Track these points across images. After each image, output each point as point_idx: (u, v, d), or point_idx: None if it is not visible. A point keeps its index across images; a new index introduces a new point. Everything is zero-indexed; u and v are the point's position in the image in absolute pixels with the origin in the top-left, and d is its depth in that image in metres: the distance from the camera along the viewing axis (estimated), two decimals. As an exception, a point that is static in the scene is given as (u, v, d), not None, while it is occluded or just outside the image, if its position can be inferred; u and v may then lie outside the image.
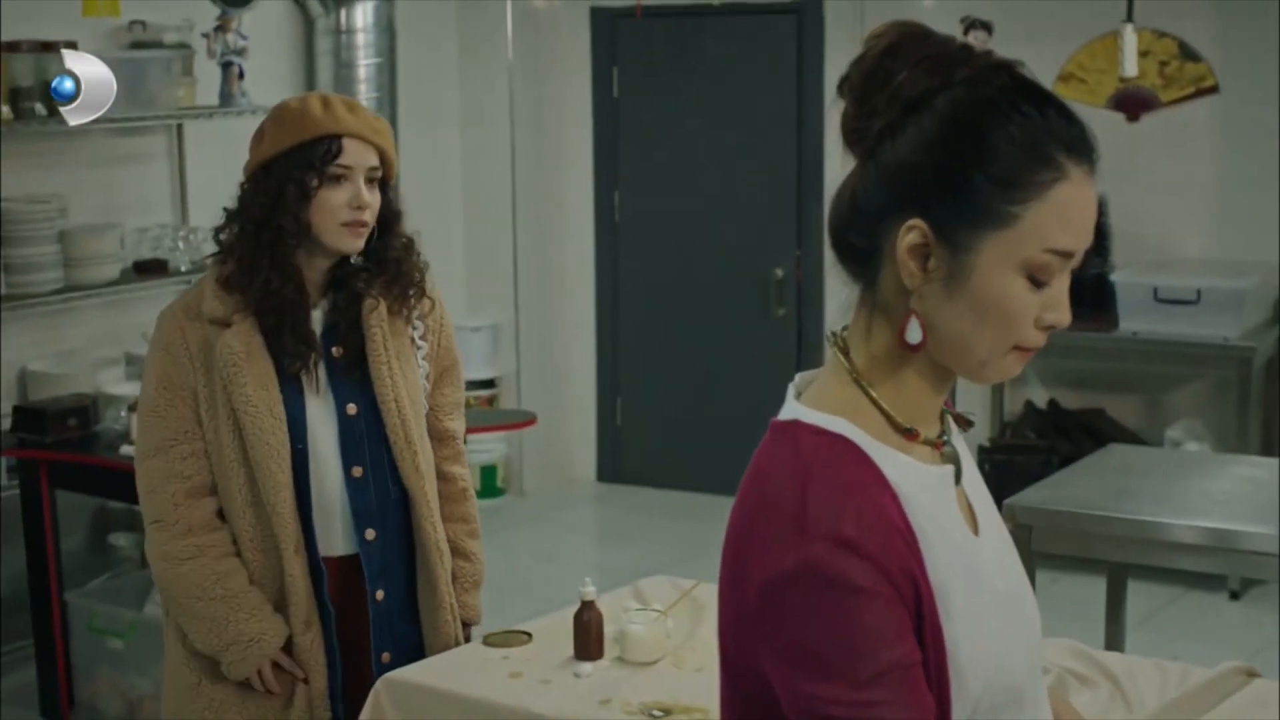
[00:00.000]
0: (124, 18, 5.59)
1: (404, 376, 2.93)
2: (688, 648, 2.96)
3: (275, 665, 2.90)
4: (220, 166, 6.10)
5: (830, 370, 1.55)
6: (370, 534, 2.92)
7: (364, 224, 2.85)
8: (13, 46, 5.05)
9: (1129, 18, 5.52)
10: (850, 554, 1.40)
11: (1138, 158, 5.98)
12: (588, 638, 2.93)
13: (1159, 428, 6.11)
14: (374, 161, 2.86)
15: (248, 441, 2.81)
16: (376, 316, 2.90)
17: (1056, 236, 1.44)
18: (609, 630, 2.95)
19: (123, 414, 4.71)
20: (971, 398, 6.02)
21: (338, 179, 2.82)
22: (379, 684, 2.85)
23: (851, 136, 1.49)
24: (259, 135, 2.89)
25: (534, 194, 7.27)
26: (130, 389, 5.08)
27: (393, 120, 6.04)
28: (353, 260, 2.91)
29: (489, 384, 7.13)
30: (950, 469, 1.55)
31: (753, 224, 7.01)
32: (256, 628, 2.86)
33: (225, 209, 2.92)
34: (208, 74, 5.76)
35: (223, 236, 2.90)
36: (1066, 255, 1.46)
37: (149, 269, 5.57)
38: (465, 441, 3.18)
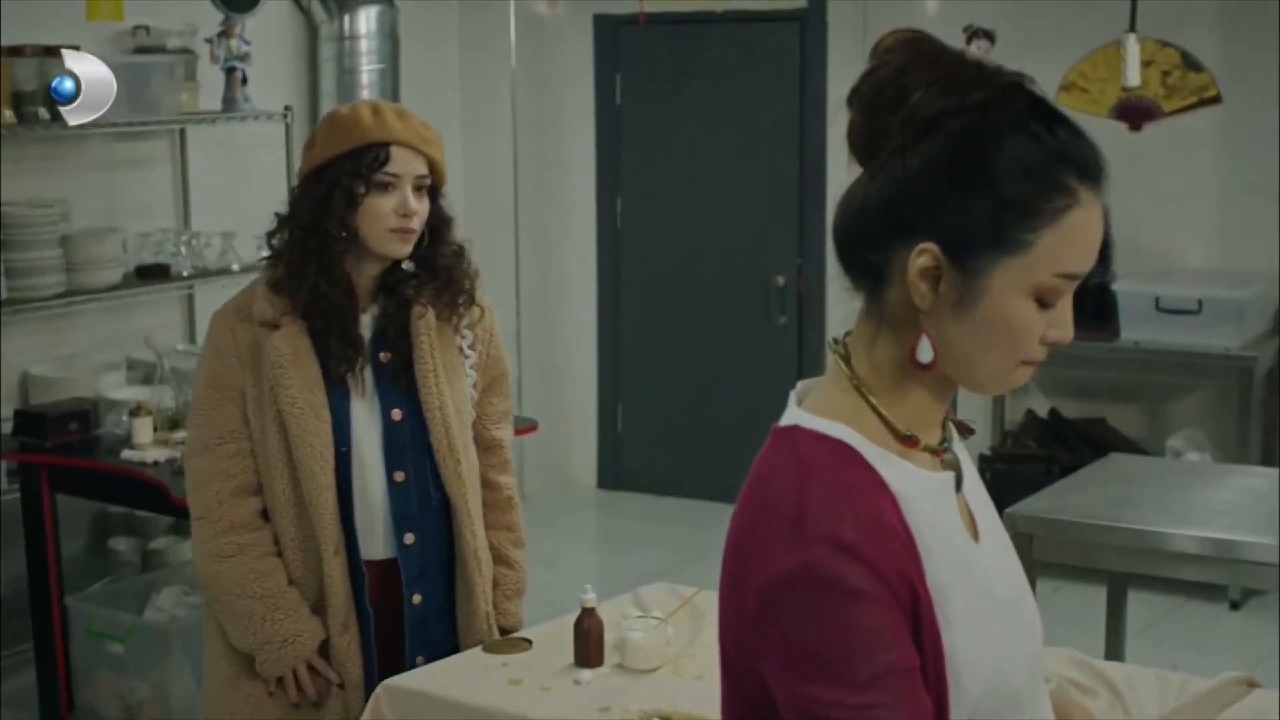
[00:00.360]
0: (127, 22, 5.61)
1: (449, 384, 2.96)
2: (688, 655, 2.95)
3: (310, 668, 2.92)
4: (222, 171, 6.17)
5: (831, 377, 1.56)
6: (409, 538, 2.95)
7: (411, 231, 2.89)
8: (16, 51, 5.05)
9: (1132, 27, 5.52)
10: (848, 557, 1.41)
11: (1140, 167, 5.98)
12: (588, 645, 2.92)
13: (1160, 437, 6.11)
14: (422, 170, 2.90)
15: (292, 442, 2.85)
16: (425, 323, 2.93)
17: (1067, 261, 1.46)
18: (609, 637, 2.95)
19: (123, 418, 4.71)
20: (972, 406, 6.02)
21: (385, 186, 2.86)
22: (379, 689, 2.85)
23: (859, 149, 1.50)
24: (311, 141, 2.94)
25: (536, 200, 7.27)
26: (131, 394, 5.08)
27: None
28: (404, 266, 2.94)
29: (490, 389, 7.12)
30: (950, 476, 1.56)
31: (754, 231, 7.01)
32: (292, 628, 2.89)
33: (277, 214, 2.97)
34: (211, 79, 5.77)
35: (274, 241, 2.94)
36: (1075, 277, 1.47)
37: (151, 274, 5.57)
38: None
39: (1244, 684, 2.90)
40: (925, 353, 1.48)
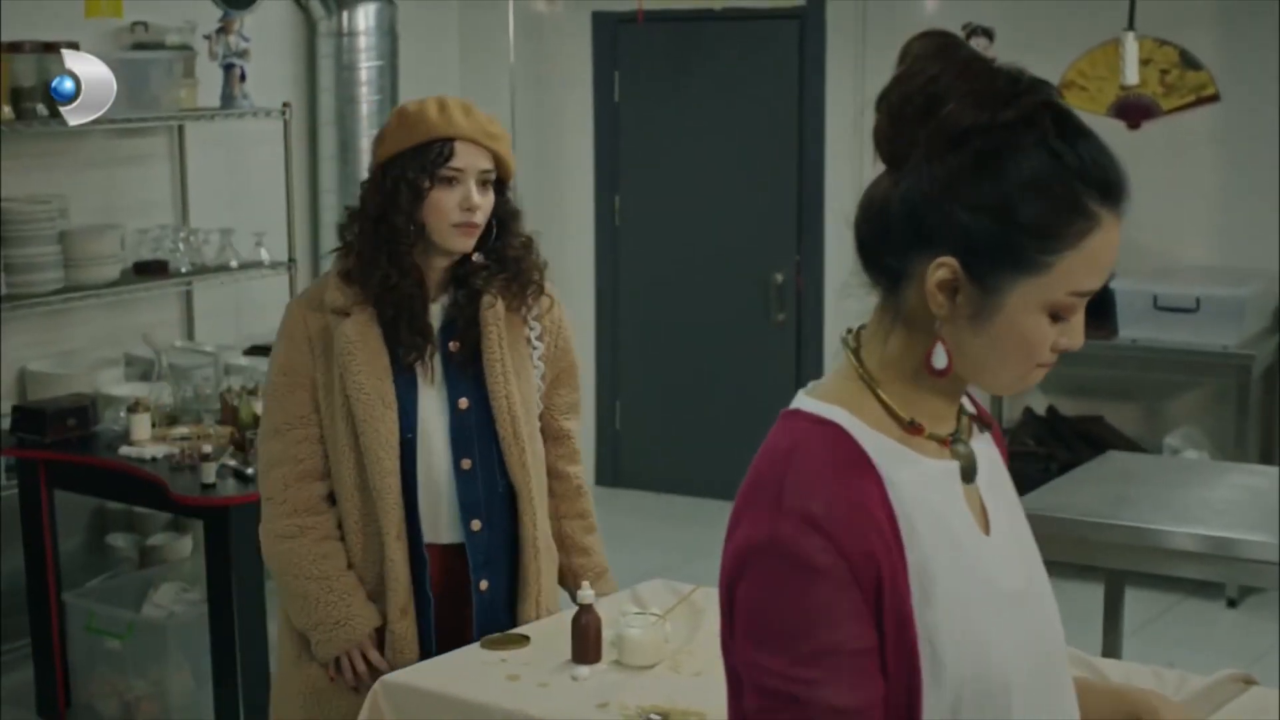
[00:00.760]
0: (126, 19, 5.61)
1: (517, 374, 3.00)
2: (686, 652, 2.96)
3: (366, 660, 2.96)
4: (221, 168, 6.17)
5: (840, 368, 1.60)
6: (476, 525, 2.99)
7: (474, 225, 2.93)
8: (15, 47, 5.05)
9: (1130, 26, 5.52)
10: (814, 533, 1.44)
11: (1138, 166, 5.89)
12: (586, 641, 2.93)
13: (1158, 435, 6.12)
14: (487, 165, 2.94)
15: (358, 428, 2.90)
16: (493, 314, 2.98)
17: (1084, 280, 1.49)
18: (607, 634, 2.95)
19: (121, 414, 4.72)
20: (971, 404, 6.02)
21: (449, 181, 2.90)
22: (377, 686, 2.85)
23: (885, 153, 1.51)
24: (380, 136, 2.99)
25: (535, 198, 7.25)
26: (129, 390, 5.09)
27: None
28: (474, 258, 2.98)
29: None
30: (955, 465, 1.58)
31: (753, 229, 7.01)
32: (345, 611, 2.94)
33: (347, 206, 3.03)
34: (209, 76, 5.77)
35: (346, 234, 2.99)
36: (1090, 294, 1.51)
37: (149, 270, 5.57)
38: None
39: (1241, 681, 2.90)
40: (940, 359, 1.52)
